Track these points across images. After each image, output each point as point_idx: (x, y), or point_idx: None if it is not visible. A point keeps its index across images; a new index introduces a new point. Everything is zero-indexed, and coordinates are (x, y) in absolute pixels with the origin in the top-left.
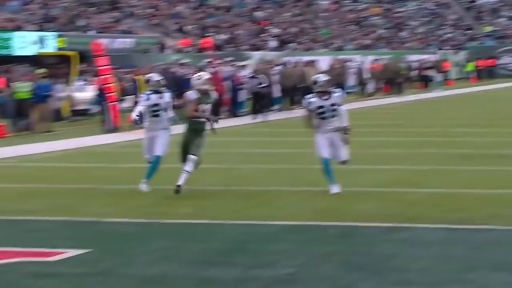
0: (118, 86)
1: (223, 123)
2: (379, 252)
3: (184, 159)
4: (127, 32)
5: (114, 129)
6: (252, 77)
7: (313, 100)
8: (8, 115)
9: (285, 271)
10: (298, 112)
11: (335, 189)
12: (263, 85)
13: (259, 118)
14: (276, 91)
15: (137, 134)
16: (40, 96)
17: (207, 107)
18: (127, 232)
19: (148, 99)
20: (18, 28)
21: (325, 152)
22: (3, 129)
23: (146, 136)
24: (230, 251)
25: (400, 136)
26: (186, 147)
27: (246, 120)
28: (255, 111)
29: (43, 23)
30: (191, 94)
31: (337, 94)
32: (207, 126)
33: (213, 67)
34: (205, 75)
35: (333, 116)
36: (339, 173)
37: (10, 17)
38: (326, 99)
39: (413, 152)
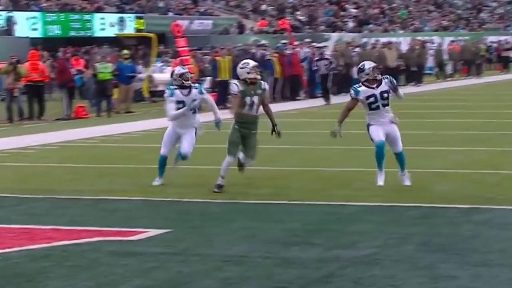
0: (197, 67)
1: (302, 104)
2: (459, 234)
3: (233, 153)
4: (205, 14)
5: None
6: (320, 59)
7: (361, 89)
8: (88, 96)
9: (365, 252)
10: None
11: (380, 181)
12: (331, 66)
13: (327, 100)
14: (354, 73)
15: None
16: (123, 77)
17: (256, 99)
18: (207, 212)
19: (172, 94)
20: (98, 10)
21: (380, 135)
22: (83, 110)
23: (169, 131)
24: (310, 232)
25: (479, 117)
26: (237, 144)
27: (325, 101)
28: (325, 93)
29: (122, 5)
30: (233, 87)
31: (386, 80)
32: (257, 123)
33: (292, 48)
34: (251, 62)
35: (384, 106)
36: (418, 155)
37: None
38: (375, 87)
39: (492, 134)
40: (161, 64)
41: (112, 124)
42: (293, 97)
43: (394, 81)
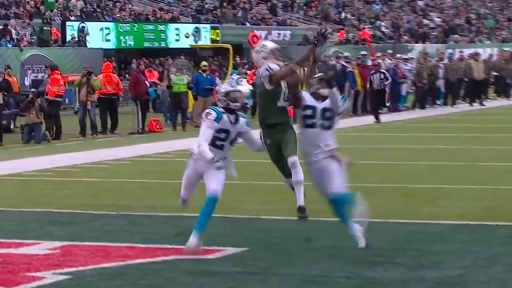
0: None
1: (384, 117)
2: None
3: (285, 172)
4: (283, 24)
5: None
6: (375, 72)
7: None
8: (163, 109)
9: (451, 273)
10: (462, 107)
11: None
12: (387, 81)
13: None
14: (441, 86)
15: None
16: (200, 90)
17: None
18: (286, 229)
19: (218, 119)
20: (173, 20)
21: None
22: (158, 123)
23: (191, 167)
24: (394, 251)
25: None
26: (278, 156)
27: (408, 115)
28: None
29: (198, 15)
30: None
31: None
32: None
33: (372, 59)
34: (270, 43)
35: (324, 127)
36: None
37: (166, 8)
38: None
39: None
40: (238, 76)
41: (187, 138)
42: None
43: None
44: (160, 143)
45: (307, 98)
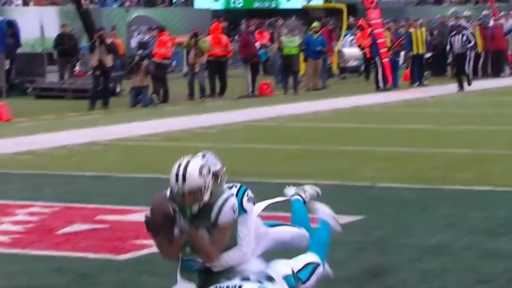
0: (391, 41)
1: (506, 81)
2: None
3: None
4: None
5: (387, 88)
6: (455, 33)
7: None
8: (274, 72)
9: None
10: None
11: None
12: (469, 44)
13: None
14: None
15: (414, 93)
16: (311, 52)
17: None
18: (404, 198)
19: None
20: None
21: None
22: (268, 87)
23: None
24: None
25: None
26: None
27: None
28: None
29: None
30: None
31: None
32: None
33: (494, 20)
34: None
35: None
36: None
37: None
38: None
39: None
40: (352, 37)
41: (299, 103)
42: (496, 73)
43: None
44: (271, 107)
45: None
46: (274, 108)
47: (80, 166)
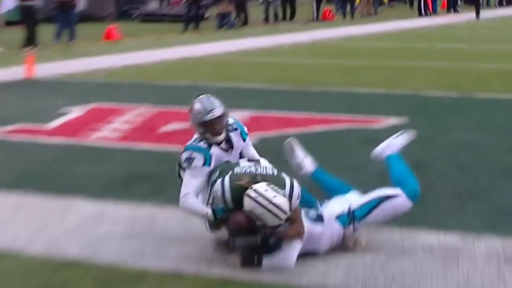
0: None
1: None
2: None
3: None
4: None
5: (428, 14)
6: None
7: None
8: (334, 0)
9: None
10: None
11: None
12: None
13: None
14: None
15: (450, 19)
16: None
17: None
18: (442, 104)
19: (208, 162)
20: None
21: None
22: (330, 13)
23: None
24: None
25: None
26: None
27: None
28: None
29: None
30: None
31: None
32: None
33: None
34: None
35: None
36: None
37: None
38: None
39: None
40: None
41: (355, 26)
42: None
43: None
44: (332, 29)
45: None
46: (335, 30)
47: (176, 77)
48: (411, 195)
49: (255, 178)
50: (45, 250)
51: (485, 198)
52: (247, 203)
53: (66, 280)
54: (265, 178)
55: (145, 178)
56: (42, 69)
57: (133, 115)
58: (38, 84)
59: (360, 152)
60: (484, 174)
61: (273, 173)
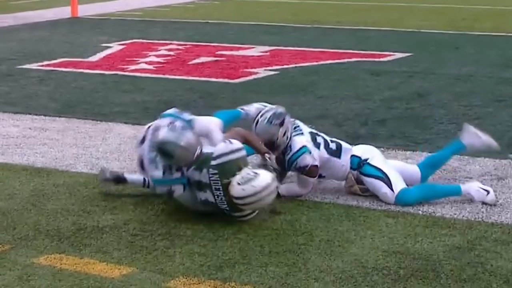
0: None
1: None
2: None
3: None
4: None
5: None
6: None
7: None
8: None
9: None
10: None
11: None
12: None
13: None
14: None
15: None
16: None
17: None
18: (441, 40)
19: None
20: None
21: None
22: None
23: None
24: None
25: None
26: None
27: None
28: None
29: None
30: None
31: None
32: None
33: None
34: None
35: None
36: None
37: None
38: None
39: None
40: None
41: None
42: None
43: None
44: None
45: None
46: None
47: (205, 16)
48: (399, 199)
49: None
50: (89, 168)
51: (479, 124)
52: None
53: (108, 193)
54: None
55: (176, 104)
56: (84, 9)
57: (166, 49)
58: (81, 22)
59: (368, 83)
60: (478, 102)
61: None
